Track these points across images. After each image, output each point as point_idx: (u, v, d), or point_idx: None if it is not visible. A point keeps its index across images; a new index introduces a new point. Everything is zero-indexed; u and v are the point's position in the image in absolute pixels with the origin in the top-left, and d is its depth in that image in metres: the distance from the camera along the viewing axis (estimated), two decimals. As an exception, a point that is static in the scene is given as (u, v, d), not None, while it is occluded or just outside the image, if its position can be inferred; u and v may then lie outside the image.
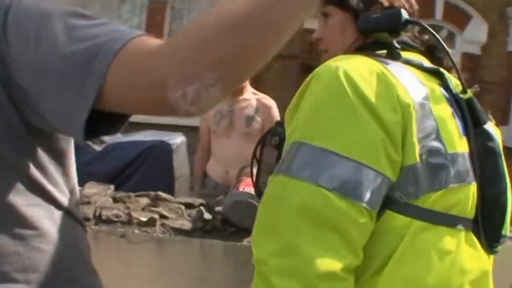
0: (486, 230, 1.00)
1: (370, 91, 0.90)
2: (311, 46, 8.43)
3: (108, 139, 0.73)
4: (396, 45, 1.03)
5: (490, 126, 1.03)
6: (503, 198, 1.02)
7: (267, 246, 0.85)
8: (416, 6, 1.18)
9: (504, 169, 1.02)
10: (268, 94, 8.55)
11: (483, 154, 1.00)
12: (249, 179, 1.76)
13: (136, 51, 0.65)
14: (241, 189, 1.74)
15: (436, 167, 0.92)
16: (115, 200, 1.76)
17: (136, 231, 1.61)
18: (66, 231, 0.79)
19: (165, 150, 4.52)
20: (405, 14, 1.04)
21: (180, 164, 4.72)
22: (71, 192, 0.81)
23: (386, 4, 1.14)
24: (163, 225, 1.64)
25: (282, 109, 6.84)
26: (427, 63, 1.05)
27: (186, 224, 1.67)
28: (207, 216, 1.73)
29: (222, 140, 3.06)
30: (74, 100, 0.64)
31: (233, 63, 0.62)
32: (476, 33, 9.26)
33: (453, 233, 0.95)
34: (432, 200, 0.92)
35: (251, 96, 3.13)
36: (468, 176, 0.97)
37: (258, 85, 7.85)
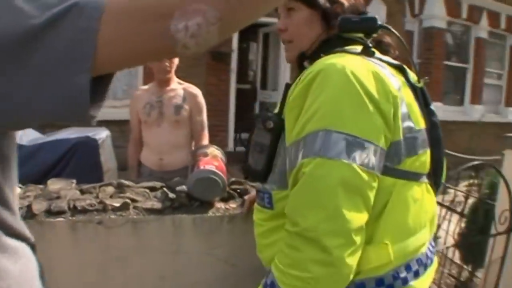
0: (435, 180, 1.35)
1: (372, 87, 1.13)
2: (219, 34, 8.54)
3: (97, 113, 0.68)
4: (370, 44, 1.29)
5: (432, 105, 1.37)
6: (442, 158, 1.38)
7: (312, 215, 1.06)
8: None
9: (441, 136, 1.36)
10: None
11: (431, 127, 1.32)
12: (207, 158, 1.94)
13: None
14: (201, 167, 1.87)
15: (410, 140, 1.21)
16: (82, 192, 1.83)
17: (112, 216, 1.69)
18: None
19: (91, 145, 4.47)
20: (379, 21, 1.33)
21: (107, 158, 4.66)
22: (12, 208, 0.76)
23: (346, 4, 1.39)
24: (135, 207, 1.74)
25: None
26: (390, 59, 1.36)
27: (156, 204, 1.78)
28: (172, 195, 1.85)
29: (153, 130, 3.13)
30: (68, 67, 0.60)
31: (236, 7, 0.64)
32: (376, 14, 9.65)
33: (420, 185, 1.26)
34: (408, 164, 1.21)
35: (177, 86, 3.24)
36: (426, 144, 1.29)
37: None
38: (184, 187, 1.89)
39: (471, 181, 4.19)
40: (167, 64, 3.11)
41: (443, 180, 1.44)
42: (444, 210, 3.49)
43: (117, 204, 1.72)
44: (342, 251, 1.05)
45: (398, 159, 1.19)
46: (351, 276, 1.11)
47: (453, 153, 3.97)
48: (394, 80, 1.22)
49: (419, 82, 1.34)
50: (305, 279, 1.07)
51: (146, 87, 3.38)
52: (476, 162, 3.19)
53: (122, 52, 0.64)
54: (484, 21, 10.84)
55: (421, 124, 1.28)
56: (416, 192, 1.25)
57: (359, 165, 1.07)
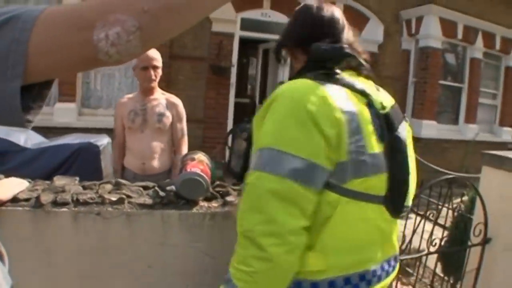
0: (393, 203, 1.43)
1: (316, 111, 1.26)
2: (219, 48, 8.75)
3: (34, 118, 0.73)
4: (337, 71, 1.43)
5: (403, 128, 1.47)
6: (406, 182, 1.45)
7: (252, 219, 1.25)
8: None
9: (407, 161, 1.45)
10: (180, 95, 8.77)
11: (394, 153, 1.41)
12: (193, 162, 2.16)
13: (58, 9, 0.69)
14: (188, 169, 2.08)
15: (358, 163, 1.31)
16: (84, 187, 2.04)
17: (109, 209, 1.89)
18: None
19: (93, 151, 4.57)
20: (347, 49, 1.47)
21: (107, 164, 4.84)
22: None
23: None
24: (130, 202, 1.95)
25: (193, 107, 7.19)
26: (358, 83, 1.44)
27: (148, 200, 1.98)
28: (162, 193, 2.05)
29: (137, 136, 3.35)
30: (2, 74, 0.65)
31: (155, 18, 0.68)
32: (374, 33, 9.93)
33: (370, 206, 1.37)
34: (355, 184, 1.32)
35: (160, 96, 3.48)
36: (381, 168, 1.38)
37: (170, 86, 8.11)
38: (173, 187, 2.10)
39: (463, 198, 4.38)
40: (152, 73, 3.35)
41: (407, 203, 1.47)
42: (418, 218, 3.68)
43: (114, 199, 1.93)
44: (277, 249, 1.21)
45: (344, 178, 1.30)
46: (293, 270, 1.28)
47: (430, 165, 4.17)
48: (347, 105, 1.33)
49: (383, 108, 1.42)
50: (249, 273, 1.24)
51: (131, 95, 3.60)
52: (449, 176, 3.39)
53: (52, 61, 0.68)
54: (480, 42, 11.06)
55: (376, 148, 1.36)
56: (366, 212, 1.36)
57: (293, 179, 1.23)
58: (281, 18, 9.04)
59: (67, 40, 0.67)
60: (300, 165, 1.24)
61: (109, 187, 2.07)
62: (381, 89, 1.55)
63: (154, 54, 3.39)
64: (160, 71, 3.45)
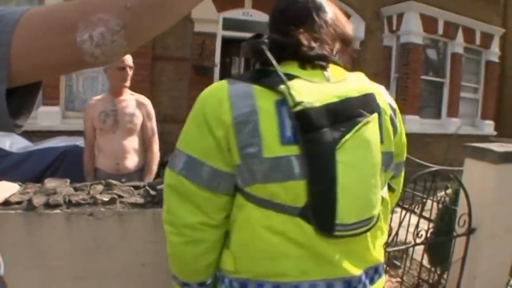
0: (316, 218, 1.22)
1: (210, 114, 1.25)
2: (201, 48, 8.77)
3: (23, 123, 0.72)
4: (257, 68, 1.33)
5: (340, 128, 1.23)
6: (330, 193, 1.21)
7: (164, 207, 1.36)
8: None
9: (331, 168, 1.20)
10: (163, 95, 8.73)
11: (311, 158, 1.20)
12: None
13: (39, 10, 0.68)
14: None
15: (251, 167, 1.21)
16: (76, 189, 2.05)
17: (102, 209, 1.91)
18: None
19: (79, 153, 4.62)
20: (263, 46, 1.29)
21: None
22: None
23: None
24: (122, 202, 1.97)
25: (177, 107, 7.22)
26: (275, 80, 1.23)
27: (139, 200, 2.01)
28: (153, 192, 2.08)
29: (108, 136, 3.39)
30: None
31: (137, 15, 0.66)
32: (355, 30, 9.97)
33: (283, 216, 1.23)
34: (254, 189, 1.24)
35: (129, 97, 3.53)
36: (287, 175, 1.20)
37: (153, 87, 8.09)
38: (163, 186, 2.13)
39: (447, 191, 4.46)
40: (129, 73, 3.44)
41: (342, 220, 1.23)
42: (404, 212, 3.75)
43: (106, 199, 1.95)
44: (173, 237, 1.32)
45: (245, 181, 1.25)
46: (202, 262, 1.35)
47: (414, 159, 4.24)
48: (244, 105, 1.22)
49: (295, 106, 1.20)
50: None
51: (99, 97, 3.64)
52: (433, 169, 3.46)
53: (36, 63, 0.66)
54: (460, 37, 11.25)
55: (277, 151, 1.20)
56: (271, 221, 1.24)
57: (184, 176, 1.28)
58: (263, 17, 9.07)
59: (50, 43, 0.65)
60: (191, 164, 1.27)
61: (100, 187, 2.09)
62: (352, 78, 1.37)
63: (128, 55, 3.44)
64: (131, 71, 3.54)
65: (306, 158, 1.20)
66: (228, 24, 9.23)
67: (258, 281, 1.27)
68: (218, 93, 1.27)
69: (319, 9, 1.41)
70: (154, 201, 2.03)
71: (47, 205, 1.89)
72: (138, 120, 3.53)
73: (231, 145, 1.23)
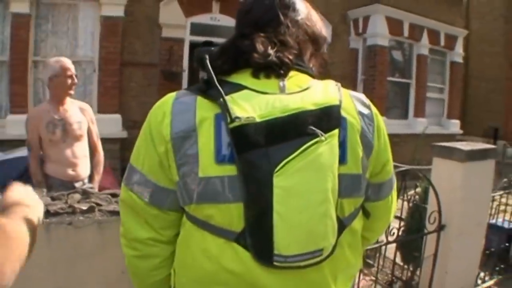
0: (254, 245, 1.09)
1: (154, 128, 1.18)
2: (170, 54, 8.76)
3: None
4: (204, 78, 1.18)
5: (262, 151, 1.07)
6: (266, 221, 1.06)
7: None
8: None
9: (270, 194, 1.05)
10: (133, 101, 8.67)
11: (245, 180, 1.07)
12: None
13: None
14: None
15: (188, 186, 1.12)
16: (53, 198, 2.04)
17: (81, 218, 1.92)
18: None
19: None
20: (204, 53, 1.20)
21: None
22: None
23: None
24: (100, 210, 1.98)
25: (146, 113, 7.22)
26: (217, 93, 1.11)
27: (117, 207, 2.00)
28: (131, 200, 2.11)
29: (60, 146, 3.41)
30: None
31: None
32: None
33: (219, 241, 1.12)
34: (193, 209, 1.14)
35: (71, 104, 3.55)
36: (221, 197, 1.09)
37: (122, 93, 8.05)
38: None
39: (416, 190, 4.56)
40: (74, 81, 3.46)
41: (282, 251, 1.08)
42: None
43: (85, 208, 1.96)
44: (127, 250, 1.30)
45: (184, 200, 1.16)
46: (154, 277, 1.32)
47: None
48: (185, 120, 1.14)
49: (231, 121, 1.08)
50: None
51: (39, 107, 3.68)
52: (402, 169, 3.54)
53: None
54: (425, 39, 11.51)
55: (210, 171, 1.10)
56: (207, 244, 1.14)
57: (132, 191, 1.24)
58: (231, 22, 9.02)
59: None
60: (140, 179, 1.23)
61: (77, 196, 2.09)
62: (317, 88, 1.21)
63: (71, 63, 3.52)
64: (75, 79, 3.56)
65: (241, 179, 1.07)
66: (196, 29, 9.23)
67: None
68: (163, 106, 1.20)
69: (287, 8, 1.29)
70: (133, 208, 2.04)
71: (25, 216, 1.89)
72: (85, 126, 3.60)
73: (170, 162, 1.15)
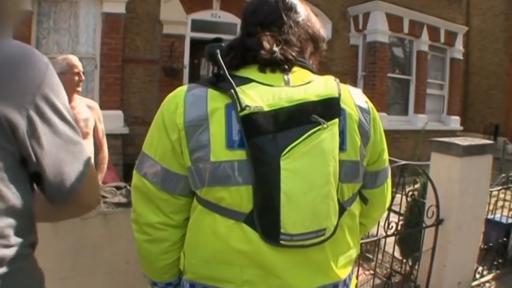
0: (261, 225, 1.18)
1: (167, 117, 1.27)
2: (171, 50, 8.79)
3: None
4: (214, 72, 1.28)
5: (270, 137, 1.17)
6: (274, 201, 1.16)
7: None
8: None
9: (278, 176, 1.15)
10: (134, 97, 8.68)
11: (255, 164, 1.17)
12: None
13: None
14: None
15: (201, 170, 1.21)
16: (59, 191, 2.11)
17: (87, 210, 1.98)
18: None
19: None
20: (215, 49, 1.26)
21: None
22: None
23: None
24: (105, 202, 2.02)
25: (148, 110, 7.22)
26: (226, 84, 1.22)
27: (122, 199, 2.07)
28: (135, 192, 2.15)
29: None
30: None
31: None
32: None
33: (228, 222, 1.22)
34: (204, 193, 1.23)
35: (79, 101, 3.58)
36: (233, 180, 1.18)
37: (124, 89, 8.07)
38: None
39: (415, 185, 4.61)
40: (81, 78, 3.48)
41: (288, 229, 1.18)
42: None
43: (90, 200, 2.01)
44: (138, 235, 1.38)
45: (196, 184, 1.24)
46: (164, 262, 1.38)
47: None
48: (197, 109, 1.22)
49: (242, 109, 1.18)
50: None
51: None
52: (400, 164, 3.59)
53: None
54: (425, 35, 11.51)
55: (222, 156, 1.19)
56: (217, 226, 1.23)
57: (146, 178, 1.31)
58: (231, 18, 9.16)
59: None
60: (153, 166, 1.30)
61: (83, 189, 2.14)
62: (318, 82, 1.32)
63: (78, 60, 3.54)
64: (83, 76, 3.59)
65: (251, 163, 1.17)
66: (197, 25, 9.26)
67: (204, 284, 1.27)
68: (176, 97, 1.29)
69: (290, 10, 1.39)
70: (137, 200, 2.09)
71: (32, 207, 1.93)
72: (92, 124, 3.63)
73: (183, 148, 1.23)
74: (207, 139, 1.20)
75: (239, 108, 1.18)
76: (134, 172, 1.35)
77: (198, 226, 1.28)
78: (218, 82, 1.25)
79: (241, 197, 1.19)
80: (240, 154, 1.19)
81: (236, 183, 1.19)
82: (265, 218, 1.18)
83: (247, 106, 1.17)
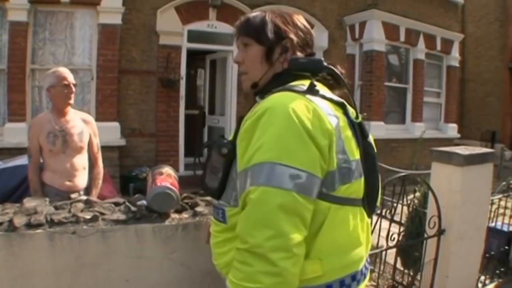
0: (369, 204, 1.53)
1: (310, 124, 1.30)
2: (167, 61, 8.77)
3: None
4: (315, 83, 1.44)
5: (369, 133, 1.55)
6: (377, 185, 1.57)
7: (260, 234, 1.23)
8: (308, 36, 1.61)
9: (377, 164, 1.56)
10: (131, 109, 8.65)
11: (367, 158, 1.50)
12: (162, 176, 2.21)
13: None
14: (158, 183, 2.13)
15: (345, 170, 1.38)
16: (56, 207, 2.06)
17: (84, 227, 1.92)
18: None
19: None
20: (324, 62, 1.50)
21: None
22: None
23: (294, 39, 1.55)
24: (104, 219, 1.98)
25: (145, 121, 7.20)
26: (333, 96, 1.50)
27: (121, 216, 2.03)
28: (133, 208, 2.10)
29: (59, 156, 3.40)
30: None
31: None
32: (319, 39, 10.12)
33: (354, 209, 1.44)
34: (342, 190, 1.38)
35: (74, 115, 3.54)
36: (360, 173, 1.46)
37: (121, 101, 8.05)
38: (144, 202, 2.16)
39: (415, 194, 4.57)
40: (73, 90, 3.43)
41: (378, 203, 1.62)
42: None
43: (88, 217, 1.97)
44: (286, 263, 1.22)
45: (333, 186, 1.35)
46: (297, 283, 1.28)
47: (381, 165, 4.33)
48: (332, 117, 1.38)
49: (357, 117, 1.50)
50: None
51: (42, 115, 3.63)
52: (402, 174, 3.56)
53: None
54: (421, 43, 11.52)
55: (356, 155, 1.44)
56: (351, 215, 1.42)
57: (297, 191, 1.25)
58: (227, 29, 9.16)
59: None
60: (302, 177, 1.27)
61: (80, 205, 2.10)
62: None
63: (70, 73, 3.49)
64: (73, 90, 3.52)
65: (364, 158, 1.49)
66: (193, 36, 9.25)
67: (340, 278, 1.39)
68: (307, 105, 1.35)
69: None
70: (136, 217, 2.06)
71: (29, 225, 1.89)
72: (86, 138, 3.58)
73: (332, 153, 1.34)
74: (344, 142, 1.39)
75: (353, 116, 1.51)
76: (274, 189, 1.26)
77: (334, 223, 1.38)
78: (315, 94, 1.42)
79: (360, 187, 1.47)
80: (360, 153, 1.48)
81: (359, 176, 1.46)
82: (372, 198, 1.55)
83: (359, 114, 1.53)
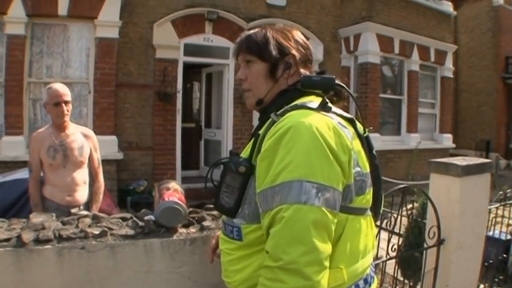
0: (376, 211, 1.61)
1: (332, 142, 1.34)
2: (164, 75, 8.82)
3: None
4: (327, 100, 1.47)
5: (374, 152, 1.62)
6: (380, 194, 1.64)
7: (294, 251, 1.24)
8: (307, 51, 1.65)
9: (380, 175, 1.63)
10: (128, 122, 8.63)
11: (373, 168, 1.57)
12: (169, 191, 2.23)
13: None
14: (166, 199, 2.16)
15: (359, 182, 1.44)
16: (64, 223, 2.07)
17: (93, 242, 1.94)
18: None
19: None
20: (337, 80, 1.57)
21: None
22: None
23: (297, 55, 1.57)
24: (112, 234, 2.00)
25: (142, 134, 7.17)
26: (342, 112, 1.53)
27: (130, 231, 2.04)
28: (141, 223, 2.11)
29: (59, 171, 3.40)
30: None
31: None
32: (314, 52, 10.14)
33: (365, 217, 1.51)
34: (357, 202, 1.44)
35: (74, 129, 3.55)
36: (370, 184, 1.53)
37: (118, 114, 8.05)
38: (151, 217, 2.18)
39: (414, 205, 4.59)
40: (64, 108, 3.40)
41: (381, 210, 1.68)
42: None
43: (97, 232, 1.98)
44: (319, 276, 1.24)
45: (350, 198, 1.40)
46: None
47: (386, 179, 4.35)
48: (348, 132, 1.43)
49: (364, 131, 1.58)
50: None
51: (43, 129, 3.62)
52: (401, 186, 3.58)
53: None
54: (415, 55, 11.64)
55: (367, 167, 1.51)
56: (363, 223, 1.48)
57: (326, 207, 1.28)
58: (223, 42, 9.23)
59: None
60: (329, 193, 1.30)
61: (88, 221, 2.11)
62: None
63: (64, 90, 3.46)
64: (70, 106, 3.51)
65: (372, 169, 1.55)
66: (189, 49, 9.30)
67: (356, 283, 1.45)
68: (327, 122, 1.39)
69: None
70: (145, 232, 2.07)
71: (37, 241, 1.90)
72: (87, 153, 3.58)
73: (350, 168, 1.39)
74: (358, 156, 1.45)
75: (361, 130, 1.57)
76: (307, 207, 1.27)
77: (351, 233, 1.43)
78: (328, 111, 1.46)
79: (370, 197, 1.53)
80: (368, 165, 1.54)
81: (370, 186, 1.53)
82: (378, 205, 1.63)
83: (366, 128, 1.61)
